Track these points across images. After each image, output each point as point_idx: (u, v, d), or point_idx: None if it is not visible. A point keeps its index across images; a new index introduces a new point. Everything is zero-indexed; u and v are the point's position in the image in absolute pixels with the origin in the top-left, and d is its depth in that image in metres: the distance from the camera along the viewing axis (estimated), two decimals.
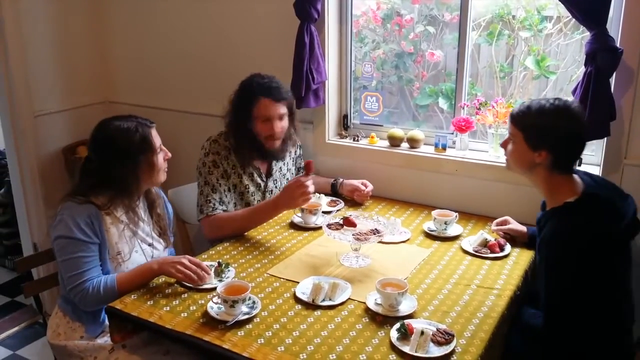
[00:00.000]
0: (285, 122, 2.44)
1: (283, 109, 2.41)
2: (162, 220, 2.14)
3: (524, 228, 2.20)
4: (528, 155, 1.83)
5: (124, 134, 1.94)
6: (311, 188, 2.22)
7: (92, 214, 1.90)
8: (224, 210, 2.37)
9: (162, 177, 2.05)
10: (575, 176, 1.88)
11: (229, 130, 2.46)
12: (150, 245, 2.08)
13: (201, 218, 2.37)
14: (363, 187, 2.58)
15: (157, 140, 2.02)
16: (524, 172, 1.90)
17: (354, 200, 2.62)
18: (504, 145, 1.95)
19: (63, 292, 1.99)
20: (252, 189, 2.48)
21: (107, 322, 1.98)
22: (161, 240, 2.14)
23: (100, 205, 1.93)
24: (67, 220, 1.87)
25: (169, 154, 2.07)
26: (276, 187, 2.57)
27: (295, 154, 2.72)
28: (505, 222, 2.24)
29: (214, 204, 2.35)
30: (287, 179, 2.63)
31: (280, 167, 2.60)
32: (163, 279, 1.94)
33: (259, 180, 2.51)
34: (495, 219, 2.41)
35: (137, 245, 2.03)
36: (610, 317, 1.78)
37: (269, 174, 2.55)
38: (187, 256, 1.93)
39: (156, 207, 2.13)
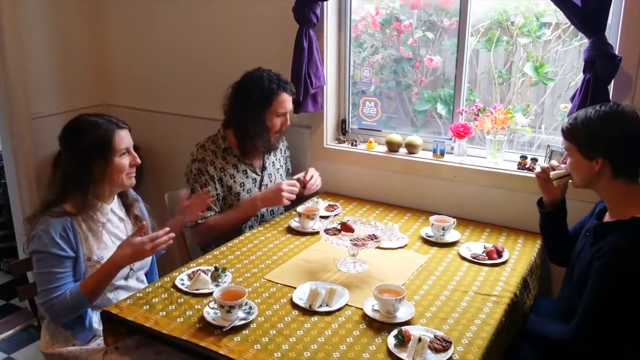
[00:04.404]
0: None
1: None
2: (141, 222, 2.12)
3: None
4: (585, 165, 1.80)
5: (89, 127, 1.93)
6: (293, 196, 2.42)
7: (67, 226, 1.89)
8: (212, 215, 2.42)
9: (127, 181, 2.01)
10: None
11: (237, 121, 2.44)
12: None
13: (190, 225, 2.42)
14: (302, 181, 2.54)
15: (122, 141, 1.96)
16: (588, 184, 1.84)
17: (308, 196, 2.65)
18: (564, 161, 1.96)
19: None
20: (248, 185, 2.50)
21: (97, 326, 1.99)
22: None
23: (74, 213, 1.91)
24: (42, 235, 1.87)
25: (138, 160, 2.03)
26: (271, 180, 2.59)
27: (285, 154, 2.73)
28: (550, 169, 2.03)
29: (202, 211, 2.38)
30: (280, 174, 2.66)
31: (273, 162, 2.62)
32: (159, 283, 1.93)
33: (254, 175, 2.53)
34: (494, 225, 2.42)
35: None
36: None
37: (263, 167, 2.57)
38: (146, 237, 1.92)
39: (133, 210, 2.14)
